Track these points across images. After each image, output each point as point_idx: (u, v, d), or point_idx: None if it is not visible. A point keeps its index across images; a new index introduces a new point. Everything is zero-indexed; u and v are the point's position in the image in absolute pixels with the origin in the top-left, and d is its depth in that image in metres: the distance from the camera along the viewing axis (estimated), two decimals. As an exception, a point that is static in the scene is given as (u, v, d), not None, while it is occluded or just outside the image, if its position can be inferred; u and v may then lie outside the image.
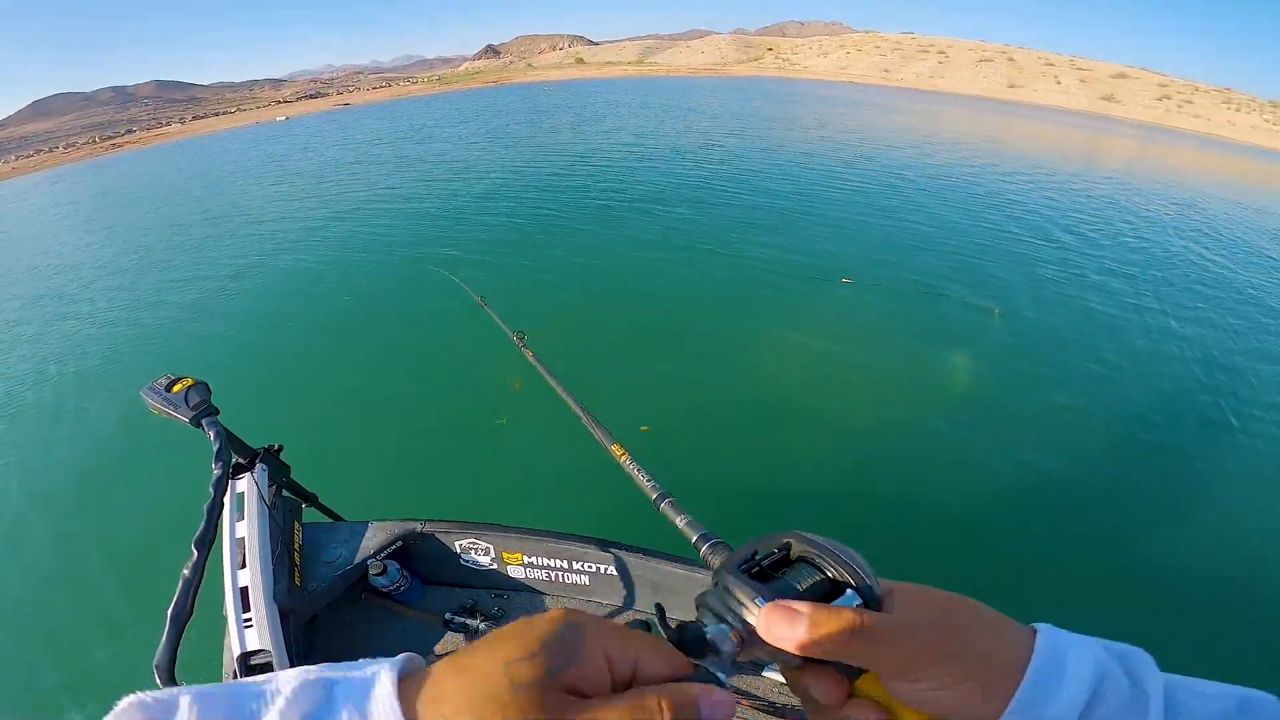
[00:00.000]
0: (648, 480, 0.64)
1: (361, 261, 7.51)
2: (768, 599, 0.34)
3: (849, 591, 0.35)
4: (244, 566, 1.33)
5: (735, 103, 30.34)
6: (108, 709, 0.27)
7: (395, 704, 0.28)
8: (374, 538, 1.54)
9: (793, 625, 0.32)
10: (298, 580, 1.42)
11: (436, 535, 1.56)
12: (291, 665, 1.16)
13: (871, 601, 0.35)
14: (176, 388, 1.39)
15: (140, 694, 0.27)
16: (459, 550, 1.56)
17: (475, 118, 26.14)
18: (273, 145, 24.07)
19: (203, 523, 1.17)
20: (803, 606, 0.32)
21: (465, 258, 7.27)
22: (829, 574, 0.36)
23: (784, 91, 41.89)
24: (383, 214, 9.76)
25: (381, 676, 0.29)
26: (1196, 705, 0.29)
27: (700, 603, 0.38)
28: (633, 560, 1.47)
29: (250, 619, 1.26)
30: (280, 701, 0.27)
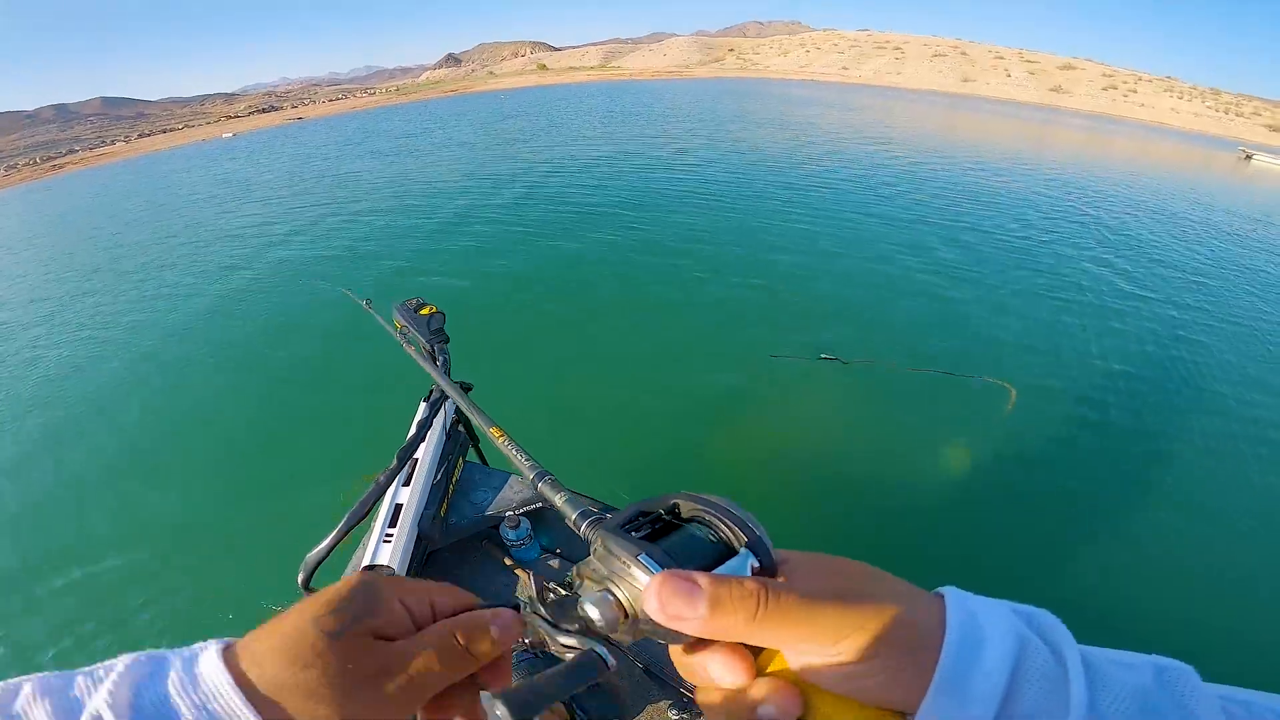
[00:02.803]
0: (525, 460, 0.65)
1: (249, 280, 6.96)
2: (657, 560, 0.30)
3: (742, 551, 0.31)
4: (408, 485, 1.43)
5: (697, 106, 30.18)
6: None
7: (219, 663, 0.29)
8: (519, 492, 1.62)
9: (691, 601, 0.27)
10: (443, 511, 1.51)
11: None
12: None
13: (767, 565, 0.31)
14: (424, 311, 1.51)
15: None
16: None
17: (426, 131, 25.38)
18: (202, 168, 23.00)
19: (412, 436, 1.30)
20: (700, 578, 0.28)
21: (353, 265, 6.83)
22: (722, 534, 0.32)
23: (744, 91, 42.00)
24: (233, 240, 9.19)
25: (209, 647, 0.31)
26: (1115, 675, 0.27)
27: (578, 571, 0.34)
28: None
29: (392, 535, 1.34)
30: (113, 675, 0.29)
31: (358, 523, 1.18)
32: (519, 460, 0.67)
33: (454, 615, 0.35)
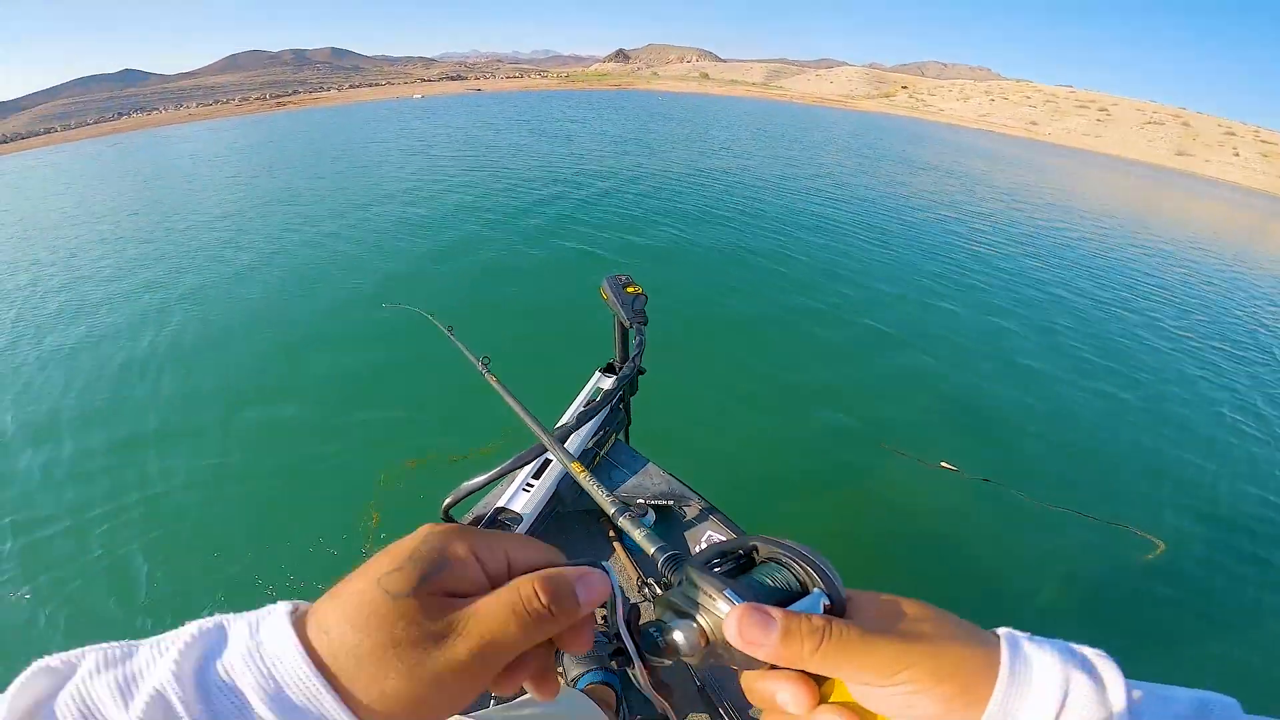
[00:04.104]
0: (606, 495, 0.68)
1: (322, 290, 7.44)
2: (738, 594, 0.32)
3: (815, 591, 0.34)
4: (563, 443, 1.47)
5: (858, 140, 28.75)
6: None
7: (288, 629, 0.28)
8: (655, 483, 1.62)
9: (766, 631, 0.30)
10: None
11: (699, 513, 1.59)
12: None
13: (838, 603, 0.34)
14: (630, 289, 1.60)
15: (47, 658, 0.27)
16: (704, 538, 1.57)
17: (582, 120, 26.45)
18: (392, 121, 25.60)
19: (596, 403, 1.42)
20: (775, 612, 0.31)
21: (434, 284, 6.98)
22: (795, 574, 0.35)
23: (915, 134, 39.43)
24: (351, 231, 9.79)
25: (276, 610, 0.30)
26: (1157, 709, 0.29)
27: (662, 602, 0.37)
28: None
29: (533, 486, 1.41)
30: (180, 643, 0.28)
31: (518, 468, 1.21)
32: (599, 495, 0.70)
33: (535, 570, 0.33)
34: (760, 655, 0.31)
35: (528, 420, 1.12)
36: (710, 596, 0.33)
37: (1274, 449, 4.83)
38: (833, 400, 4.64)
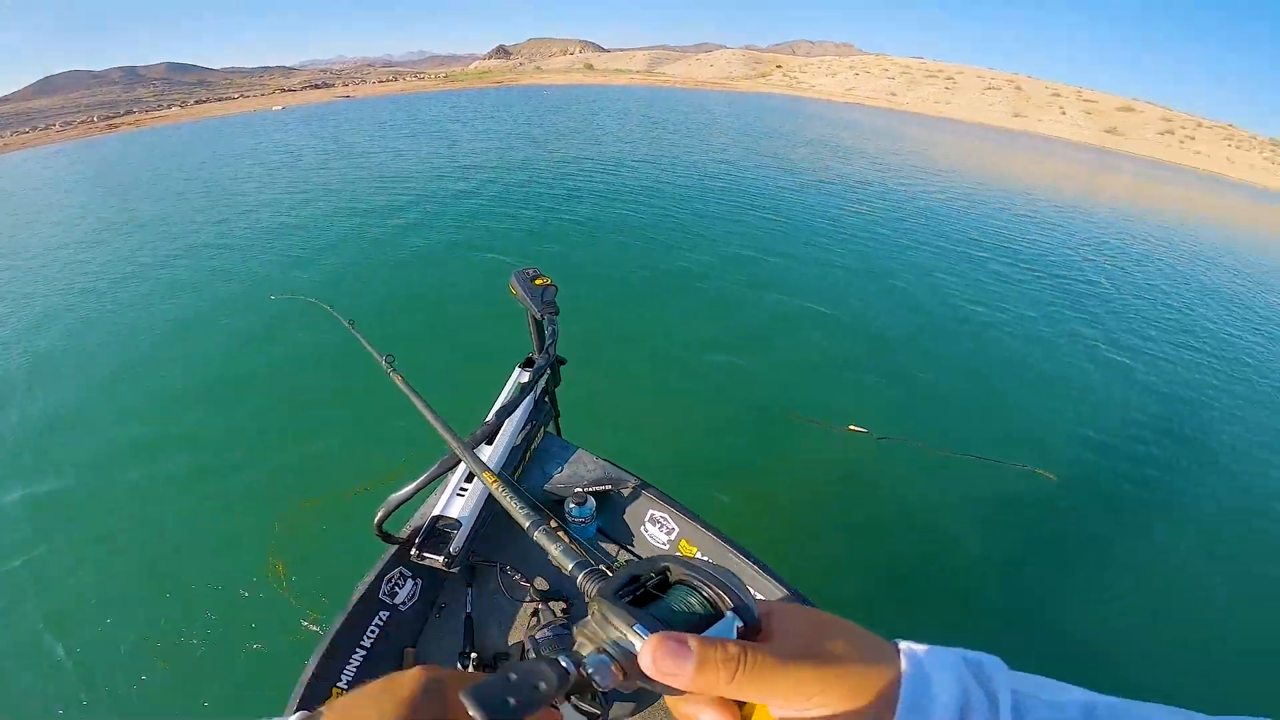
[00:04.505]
0: (520, 508, 0.66)
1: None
2: (647, 625, 0.33)
3: (727, 615, 0.34)
4: (490, 443, 1.44)
5: (739, 120, 29.97)
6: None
7: None
8: (590, 470, 1.60)
9: (681, 662, 0.31)
10: (517, 475, 1.54)
11: (637, 494, 1.57)
12: (466, 545, 1.31)
13: (751, 623, 0.34)
14: (538, 281, 1.59)
15: None
16: (646, 517, 1.56)
17: (465, 121, 25.65)
18: (245, 138, 23.55)
19: (514, 399, 1.36)
20: (690, 639, 0.31)
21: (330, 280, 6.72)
22: (706, 595, 0.35)
23: (787, 110, 41.68)
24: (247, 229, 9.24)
25: None
26: (1042, 714, 0.31)
27: (578, 632, 0.37)
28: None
29: (466, 490, 1.38)
30: None
31: (446, 472, 1.18)
32: (515, 508, 0.67)
33: None
34: (677, 685, 0.31)
35: (438, 426, 1.04)
36: (620, 631, 0.33)
37: (1115, 369, 5.61)
38: (742, 374, 4.84)
